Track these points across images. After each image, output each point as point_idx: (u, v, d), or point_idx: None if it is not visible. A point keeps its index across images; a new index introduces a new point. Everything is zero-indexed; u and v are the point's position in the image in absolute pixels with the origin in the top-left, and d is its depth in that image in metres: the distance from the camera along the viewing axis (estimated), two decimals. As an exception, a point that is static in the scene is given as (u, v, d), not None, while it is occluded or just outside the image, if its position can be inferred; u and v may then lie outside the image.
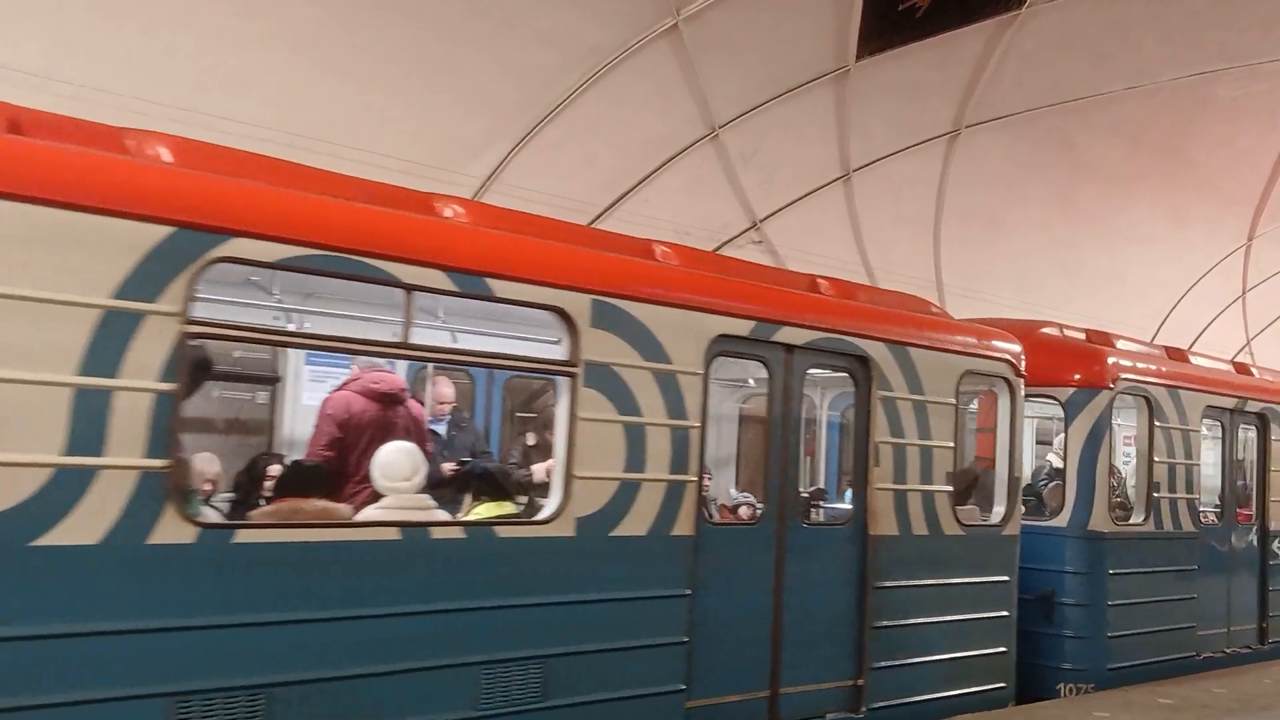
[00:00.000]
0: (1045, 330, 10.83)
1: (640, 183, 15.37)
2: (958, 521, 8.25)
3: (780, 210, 17.03)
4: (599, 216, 15.01)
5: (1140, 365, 10.62)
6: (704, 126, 15.26)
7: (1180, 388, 10.89)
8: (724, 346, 6.81)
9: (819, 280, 8.15)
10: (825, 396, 10.73)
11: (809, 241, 17.01)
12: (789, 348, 7.20)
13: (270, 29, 11.58)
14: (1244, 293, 25.70)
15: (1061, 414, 10.18)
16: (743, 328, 6.87)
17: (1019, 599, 9.09)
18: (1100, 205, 20.67)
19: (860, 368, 7.71)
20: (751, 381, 9.85)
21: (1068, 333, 10.92)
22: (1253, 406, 12.07)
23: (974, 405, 10.46)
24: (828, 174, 17.09)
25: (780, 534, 7.18)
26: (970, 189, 18.49)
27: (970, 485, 9.38)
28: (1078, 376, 10.06)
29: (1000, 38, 15.84)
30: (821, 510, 9.61)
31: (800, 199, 17.11)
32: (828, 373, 8.58)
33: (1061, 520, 9.98)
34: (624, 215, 14.96)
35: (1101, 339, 10.88)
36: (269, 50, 11.69)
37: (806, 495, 8.87)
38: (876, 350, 7.71)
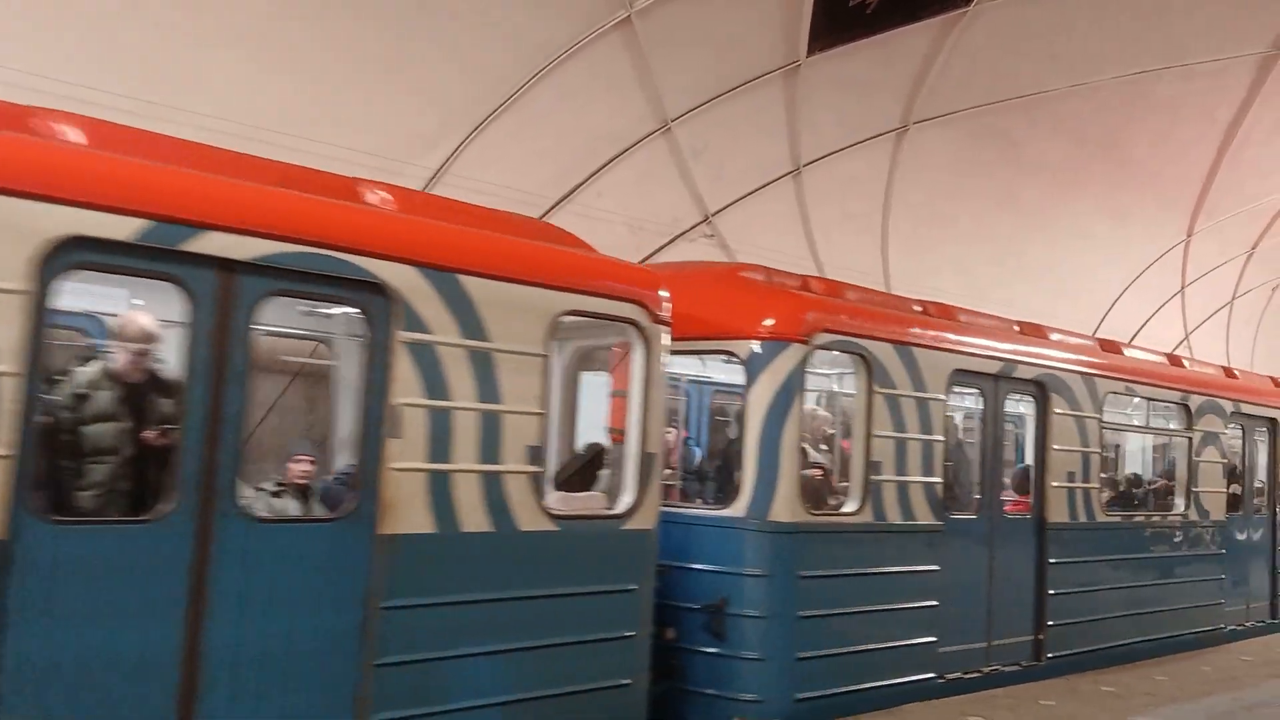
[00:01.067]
0: (745, 274, 8.77)
1: (592, 176, 15.36)
2: (546, 514, 6.32)
3: (732, 204, 17.11)
4: (550, 210, 14.98)
5: (856, 316, 8.48)
6: (655, 120, 15.28)
7: (914, 345, 8.72)
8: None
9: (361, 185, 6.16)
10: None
11: (760, 236, 17.11)
12: (215, 263, 5.06)
13: (218, 24, 11.44)
14: (1183, 287, 26.23)
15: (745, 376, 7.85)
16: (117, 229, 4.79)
17: (682, 609, 7.51)
18: (1043, 201, 21.00)
19: (372, 300, 5.61)
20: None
21: (777, 279, 8.58)
22: (1026, 372, 9.95)
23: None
24: (778, 169, 17.19)
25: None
26: (917, 185, 18.70)
27: (590, 466, 7.63)
28: (764, 326, 7.78)
29: (947, 35, 16.02)
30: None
31: (751, 193, 17.20)
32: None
33: (738, 509, 7.69)
34: (575, 208, 14.95)
35: (831, 289, 8.97)
36: (218, 45, 11.55)
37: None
38: (400, 276, 5.65)
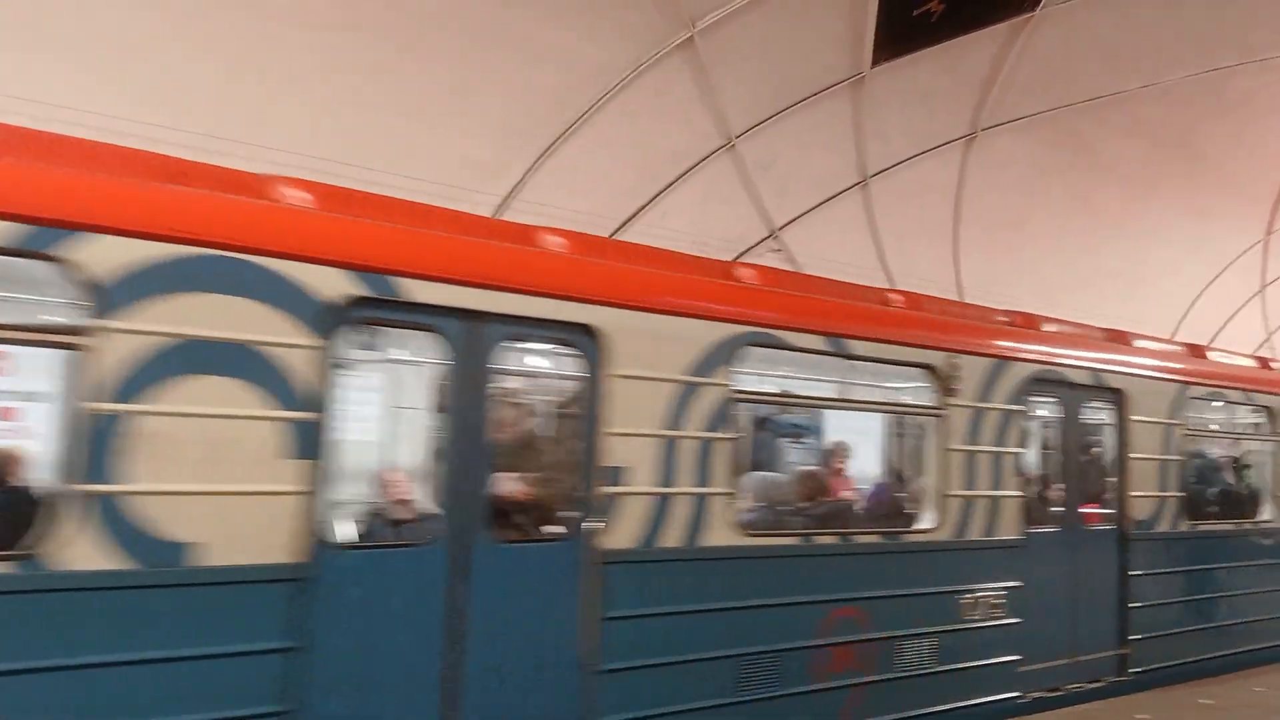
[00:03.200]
0: None
1: (657, 196, 15.39)
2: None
3: (798, 218, 17.04)
4: (617, 230, 15.04)
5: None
6: (720, 138, 15.27)
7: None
8: None
9: None
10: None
11: (828, 249, 17.01)
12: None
13: (285, 63, 11.67)
14: (1263, 287, 25.61)
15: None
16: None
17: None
18: (1119, 205, 20.62)
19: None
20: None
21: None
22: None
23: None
24: (845, 180, 17.09)
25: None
26: (988, 192, 18.46)
27: None
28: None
29: (1014, 40, 15.82)
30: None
31: (818, 206, 17.11)
32: None
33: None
34: (641, 228, 14.98)
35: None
36: (286, 82, 11.78)
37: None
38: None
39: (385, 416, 8.07)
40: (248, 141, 10.98)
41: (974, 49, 15.71)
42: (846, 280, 8.87)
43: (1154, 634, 10.02)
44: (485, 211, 13.05)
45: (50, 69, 10.49)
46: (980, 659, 8.39)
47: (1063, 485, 9.61)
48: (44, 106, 8.31)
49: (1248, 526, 11.69)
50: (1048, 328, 9.86)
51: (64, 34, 10.49)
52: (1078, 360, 9.63)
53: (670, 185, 15.43)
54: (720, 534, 6.82)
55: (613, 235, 14.56)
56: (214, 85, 11.35)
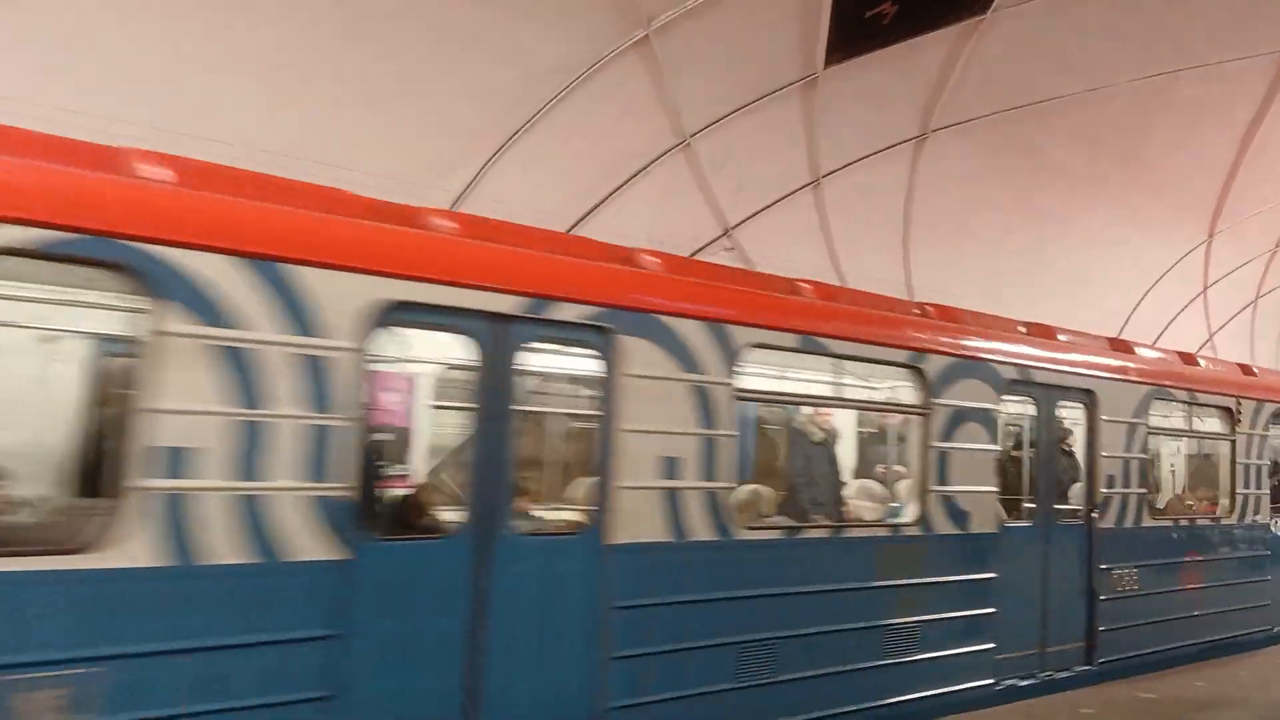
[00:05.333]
0: None
1: (613, 193, 15.44)
2: None
3: (752, 217, 17.16)
4: (573, 227, 15.06)
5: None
6: (674, 136, 15.36)
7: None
8: None
9: None
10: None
11: (782, 248, 17.13)
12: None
13: (233, 52, 11.59)
14: (1205, 289, 26.13)
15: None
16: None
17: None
18: (1063, 207, 20.96)
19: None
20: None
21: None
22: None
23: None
24: (798, 180, 17.24)
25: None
26: (937, 193, 18.69)
27: None
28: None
29: (965, 43, 16.03)
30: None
31: (771, 205, 17.24)
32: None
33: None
34: (596, 226, 15.02)
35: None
36: (234, 73, 11.69)
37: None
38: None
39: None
40: (196, 134, 10.89)
41: (925, 51, 15.90)
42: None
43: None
44: (442, 206, 12.99)
45: None
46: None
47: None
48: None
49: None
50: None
51: None
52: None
53: (626, 182, 15.48)
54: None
55: (569, 231, 14.59)
56: (162, 75, 11.24)
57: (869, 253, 18.66)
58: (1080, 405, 10.54)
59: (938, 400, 8.84)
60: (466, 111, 13.54)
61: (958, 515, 8.94)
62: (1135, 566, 10.78)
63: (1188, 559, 11.61)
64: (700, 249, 16.83)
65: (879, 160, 17.66)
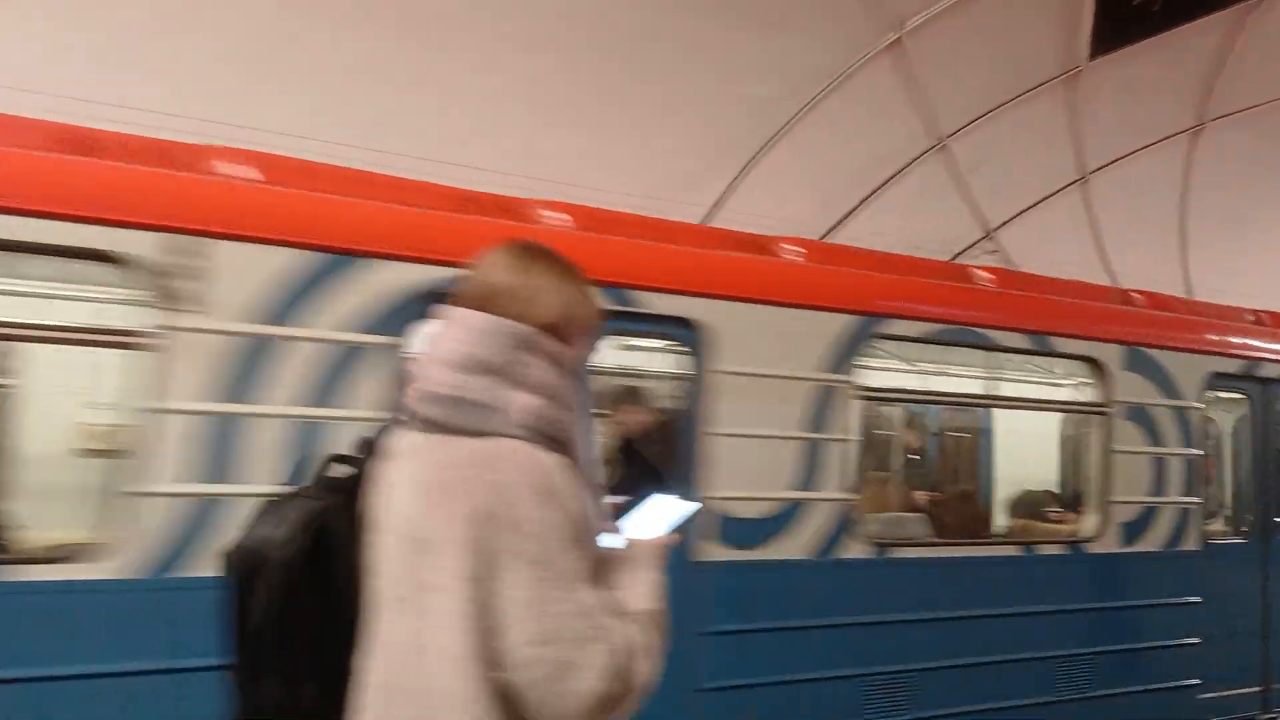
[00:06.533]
0: None
1: (866, 199, 15.32)
2: None
3: (1015, 218, 16.63)
4: (825, 235, 15.03)
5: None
6: (930, 138, 15.08)
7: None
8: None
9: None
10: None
11: (1047, 248, 16.50)
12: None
13: (502, 82, 12.22)
14: None
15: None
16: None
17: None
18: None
19: None
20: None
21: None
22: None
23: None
24: (1063, 178, 16.59)
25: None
26: (1217, 187, 17.54)
27: None
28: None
29: (1243, 24, 15.02)
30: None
31: (1035, 205, 16.66)
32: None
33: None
34: (849, 233, 14.94)
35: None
36: (502, 101, 12.33)
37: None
38: None
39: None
40: (465, 163, 11.54)
41: (1199, 36, 14.99)
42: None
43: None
44: (693, 220, 13.26)
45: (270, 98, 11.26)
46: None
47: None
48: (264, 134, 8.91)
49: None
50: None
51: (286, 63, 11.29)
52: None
53: (880, 188, 15.33)
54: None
55: (822, 239, 14.57)
56: (434, 109, 11.98)
57: (1142, 252, 17.68)
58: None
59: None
60: (717, 126, 13.74)
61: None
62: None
63: None
64: (960, 253, 16.43)
65: (1150, 154, 16.74)
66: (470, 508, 2.25)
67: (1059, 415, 9.38)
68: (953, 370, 8.76)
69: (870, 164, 15.04)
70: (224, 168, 5.27)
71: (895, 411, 10.21)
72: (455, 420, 2.35)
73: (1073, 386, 8.38)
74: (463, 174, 10.78)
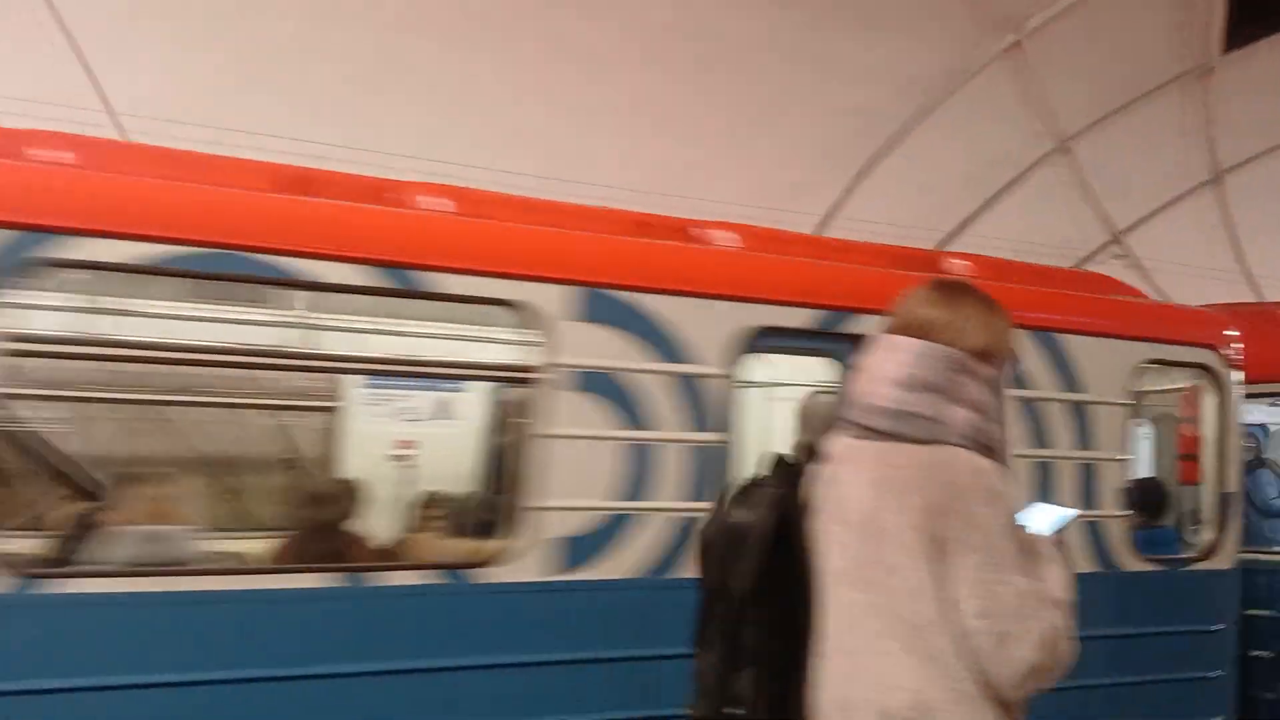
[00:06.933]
0: None
1: (986, 204, 15.05)
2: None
3: (1142, 221, 16.10)
4: (944, 242, 14.80)
5: None
6: (1051, 140, 14.72)
7: None
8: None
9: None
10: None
11: (1179, 251, 15.94)
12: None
13: (607, 96, 12.41)
14: None
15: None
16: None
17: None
18: None
19: None
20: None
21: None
22: None
23: None
24: (1195, 178, 15.98)
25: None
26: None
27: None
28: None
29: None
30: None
31: (1164, 207, 16.09)
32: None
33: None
34: (968, 238, 14.68)
35: None
36: (606, 115, 12.51)
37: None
38: None
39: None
40: (572, 179, 11.71)
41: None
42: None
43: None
44: (804, 230, 13.22)
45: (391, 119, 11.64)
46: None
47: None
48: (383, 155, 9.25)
49: None
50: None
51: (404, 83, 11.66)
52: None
53: (999, 193, 15.04)
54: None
55: (939, 246, 14.35)
56: (539, 125, 12.21)
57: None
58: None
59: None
60: (826, 134, 13.66)
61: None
62: None
63: None
64: (1087, 258, 15.99)
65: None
66: (924, 502, 2.69)
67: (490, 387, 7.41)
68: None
69: (987, 169, 14.76)
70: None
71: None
72: (901, 429, 2.79)
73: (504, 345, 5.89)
74: (572, 189, 11.03)
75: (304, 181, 5.30)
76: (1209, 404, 7.16)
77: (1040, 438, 6.32)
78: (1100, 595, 6.14)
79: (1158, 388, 7.92)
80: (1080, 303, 6.92)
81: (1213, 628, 6.90)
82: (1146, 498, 7.45)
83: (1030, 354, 6.25)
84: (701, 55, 12.42)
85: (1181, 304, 7.92)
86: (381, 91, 11.62)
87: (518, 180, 10.71)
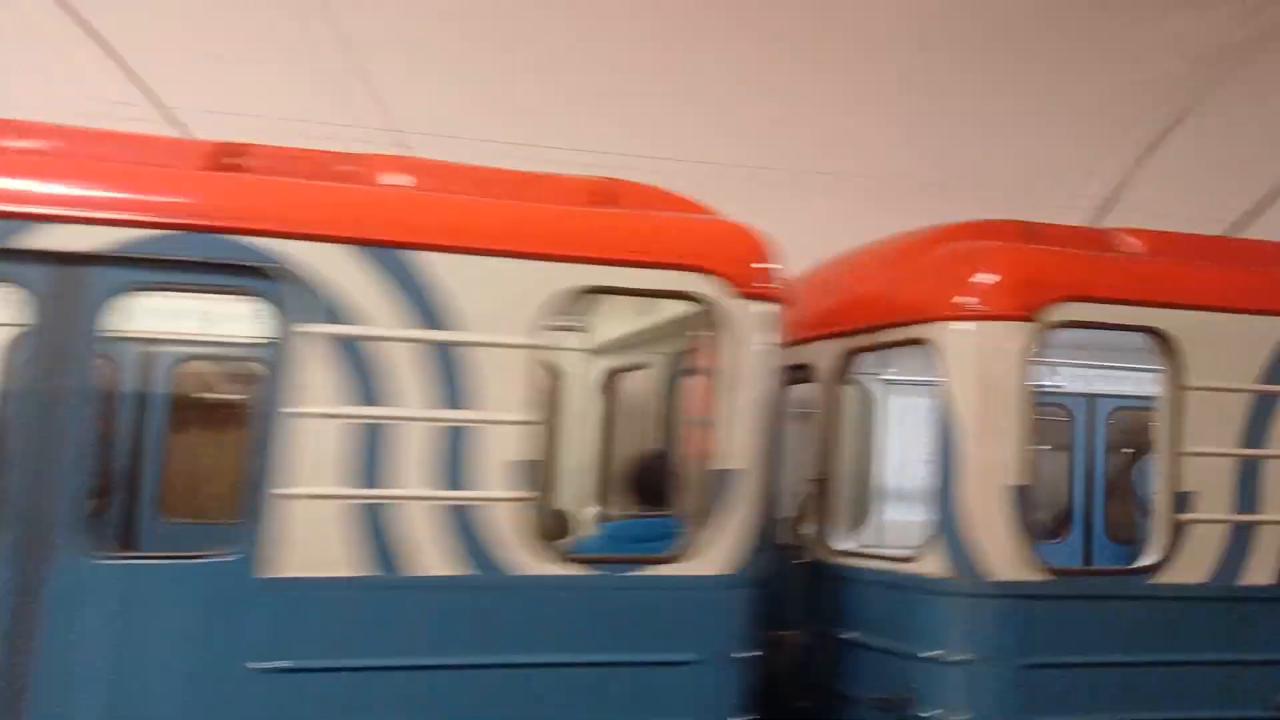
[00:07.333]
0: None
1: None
2: None
3: None
4: (1233, 227, 13.81)
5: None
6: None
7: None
8: None
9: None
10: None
11: None
12: None
13: (859, 84, 12.13)
14: None
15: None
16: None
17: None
18: None
19: None
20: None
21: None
22: None
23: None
24: None
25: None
26: None
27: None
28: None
29: None
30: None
31: None
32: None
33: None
34: (1266, 222, 13.64)
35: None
36: (865, 104, 12.22)
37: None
38: None
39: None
40: (810, 169, 11.50)
41: None
42: None
43: None
44: (1079, 217, 12.59)
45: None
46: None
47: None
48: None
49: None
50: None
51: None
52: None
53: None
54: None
55: (1225, 233, 13.42)
56: (769, 117, 12.00)
57: None
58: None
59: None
60: (1104, 114, 13.01)
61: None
62: None
63: None
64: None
65: None
66: None
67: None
68: None
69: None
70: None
71: None
72: None
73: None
74: (808, 179, 10.82)
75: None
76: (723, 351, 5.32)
77: (368, 391, 4.78)
78: (466, 609, 4.79)
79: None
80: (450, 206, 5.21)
81: (678, 658, 5.07)
82: (643, 478, 6.20)
83: (358, 277, 4.78)
84: (968, 34, 12.04)
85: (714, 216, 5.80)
86: (653, 98, 11.67)
87: (772, 175, 10.63)
